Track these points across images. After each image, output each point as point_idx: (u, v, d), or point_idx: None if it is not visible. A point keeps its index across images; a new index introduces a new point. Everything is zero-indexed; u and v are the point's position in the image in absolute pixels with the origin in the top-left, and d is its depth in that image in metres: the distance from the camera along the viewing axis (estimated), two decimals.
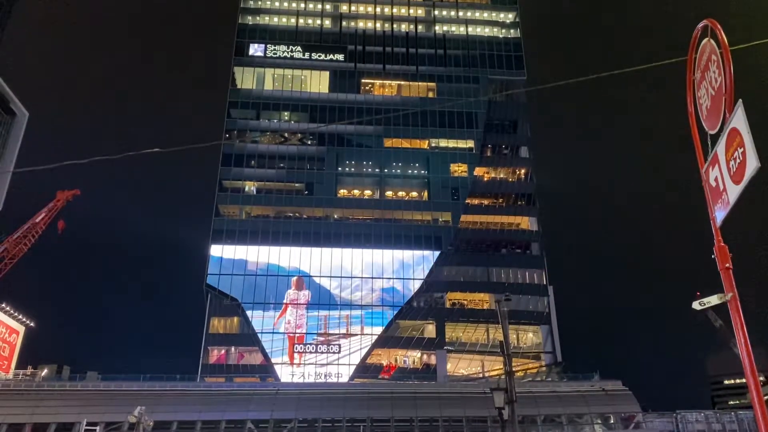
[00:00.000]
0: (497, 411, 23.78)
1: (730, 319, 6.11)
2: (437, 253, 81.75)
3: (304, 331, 77.17)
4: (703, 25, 6.89)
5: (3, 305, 66.68)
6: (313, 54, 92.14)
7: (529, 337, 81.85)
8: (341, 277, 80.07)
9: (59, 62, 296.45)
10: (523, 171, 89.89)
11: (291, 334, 76.67)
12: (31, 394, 57.22)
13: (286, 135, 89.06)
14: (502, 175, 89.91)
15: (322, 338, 77.00)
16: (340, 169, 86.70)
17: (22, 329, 69.71)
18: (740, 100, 5.97)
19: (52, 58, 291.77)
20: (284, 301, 78.20)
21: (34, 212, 74.78)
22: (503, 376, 25.61)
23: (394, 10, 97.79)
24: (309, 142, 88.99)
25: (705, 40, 6.85)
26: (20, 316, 69.49)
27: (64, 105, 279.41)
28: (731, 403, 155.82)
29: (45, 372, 67.66)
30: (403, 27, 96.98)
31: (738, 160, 5.92)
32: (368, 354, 76.44)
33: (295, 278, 79.38)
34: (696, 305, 6.71)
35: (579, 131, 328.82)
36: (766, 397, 5.80)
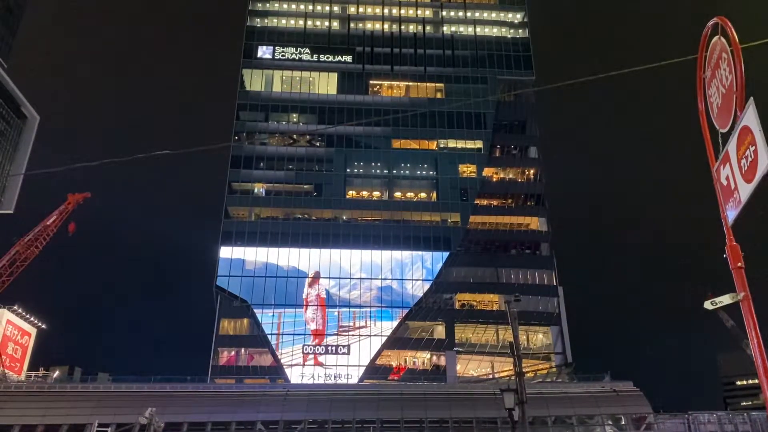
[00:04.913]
0: (507, 412, 23.77)
1: (743, 319, 6.06)
2: (446, 254, 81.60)
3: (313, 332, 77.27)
4: (713, 23, 6.85)
5: (15, 307, 67.32)
6: (321, 56, 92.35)
7: (539, 337, 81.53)
8: (350, 278, 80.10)
9: (67, 65, 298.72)
10: (532, 171, 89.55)
11: (300, 335, 76.77)
12: (42, 396, 57.56)
13: (294, 137, 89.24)
14: (511, 176, 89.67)
15: (331, 339, 77.06)
16: (348, 170, 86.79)
17: (34, 331, 70.34)
18: (751, 98, 5.93)
19: (60, 60, 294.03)
20: (292, 303, 78.35)
21: (45, 214, 75.40)
22: (513, 377, 25.55)
23: (402, 12, 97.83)
24: (317, 144, 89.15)
25: (715, 38, 6.81)
26: (32, 318, 70.13)
27: (73, 107, 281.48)
28: (744, 404, 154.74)
29: (56, 373, 68.16)
30: (411, 28, 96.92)
31: (749, 159, 5.88)
32: (378, 355, 76.43)
33: (308, 279, 79.52)
34: (708, 305, 6.66)
35: (588, 131, 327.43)
36: None
